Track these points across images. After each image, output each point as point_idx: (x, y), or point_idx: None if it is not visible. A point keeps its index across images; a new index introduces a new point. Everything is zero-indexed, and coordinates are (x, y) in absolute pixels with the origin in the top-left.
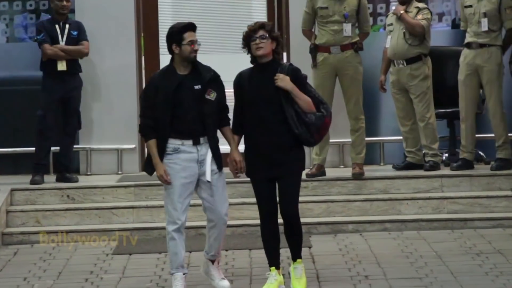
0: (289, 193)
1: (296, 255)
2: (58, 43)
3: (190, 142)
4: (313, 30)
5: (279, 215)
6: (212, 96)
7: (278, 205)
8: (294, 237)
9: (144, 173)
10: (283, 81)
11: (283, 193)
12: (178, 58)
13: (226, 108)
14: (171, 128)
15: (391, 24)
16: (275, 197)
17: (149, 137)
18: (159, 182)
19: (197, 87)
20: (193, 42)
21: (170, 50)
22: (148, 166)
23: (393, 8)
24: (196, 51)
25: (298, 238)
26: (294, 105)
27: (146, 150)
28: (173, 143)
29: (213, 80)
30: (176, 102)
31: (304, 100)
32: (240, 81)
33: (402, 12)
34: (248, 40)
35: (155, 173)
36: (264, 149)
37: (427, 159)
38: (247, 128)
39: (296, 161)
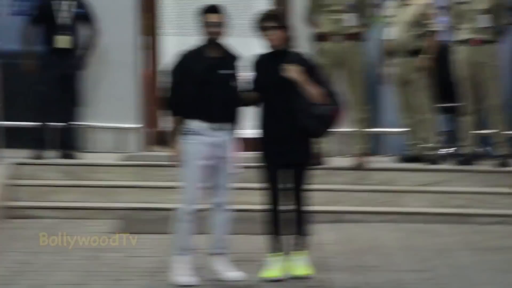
0: (299, 181)
1: (301, 244)
2: (59, 19)
3: (210, 125)
4: (316, 18)
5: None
6: (237, 83)
7: (289, 191)
8: (301, 225)
9: (146, 153)
10: (291, 71)
11: (294, 180)
12: (205, 39)
13: None
14: (195, 109)
15: (393, 16)
16: (283, 184)
17: (173, 114)
18: (162, 163)
19: (223, 71)
20: (209, 24)
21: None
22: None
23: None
24: (214, 33)
25: (305, 226)
26: (303, 96)
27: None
28: (194, 125)
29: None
30: (202, 84)
31: (313, 91)
32: (258, 63)
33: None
34: (260, 29)
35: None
36: (275, 136)
37: (427, 152)
38: (261, 114)
39: (306, 150)
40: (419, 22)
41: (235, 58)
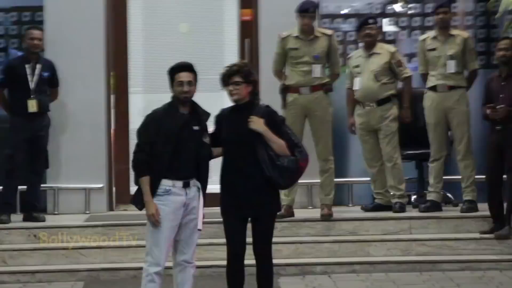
0: (263, 234)
1: None
2: (27, 83)
3: (180, 184)
4: (283, 71)
5: (246, 257)
6: (207, 140)
7: (252, 246)
8: (265, 279)
9: (111, 212)
10: (256, 123)
11: (258, 234)
12: (174, 97)
13: None
14: (167, 168)
15: (358, 66)
16: (245, 238)
17: (144, 174)
18: (127, 222)
19: (196, 128)
20: (181, 84)
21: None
22: (138, 200)
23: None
24: (185, 92)
25: (270, 280)
26: (268, 148)
27: (114, 189)
28: (165, 184)
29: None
30: (176, 141)
31: (277, 143)
32: (220, 118)
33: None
34: (224, 83)
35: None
36: (238, 190)
37: (394, 200)
38: (223, 167)
39: (271, 203)
40: (386, 71)
41: (206, 114)
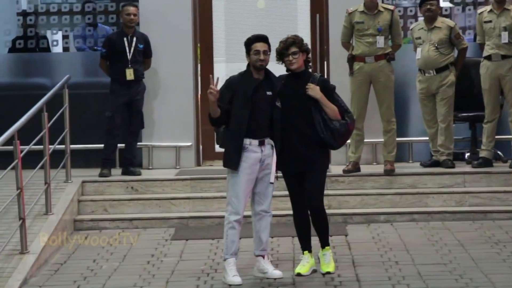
0: (313, 187)
1: (324, 243)
2: (126, 55)
3: (256, 142)
4: (351, 42)
5: None
6: (279, 103)
7: (305, 198)
8: (320, 226)
9: (199, 167)
10: (313, 90)
11: (308, 187)
12: (251, 65)
13: None
14: (244, 127)
15: (420, 38)
16: (302, 190)
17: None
18: (212, 175)
19: (269, 93)
20: (258, 52)
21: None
22: (227, 160)
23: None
24: (261, 60)
25: (324, 227)
26: (322, 112)
27: (201, 147)
28: (245, 141)
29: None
30: (251, 103)
31: (331, 108)
32: (283, 83)
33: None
34: (281, 55)
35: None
36: (294, 147)
37: (443, 157)
38: (283, 129)
39: (321, 159)
40: (446, 43)
41: (278, 80)
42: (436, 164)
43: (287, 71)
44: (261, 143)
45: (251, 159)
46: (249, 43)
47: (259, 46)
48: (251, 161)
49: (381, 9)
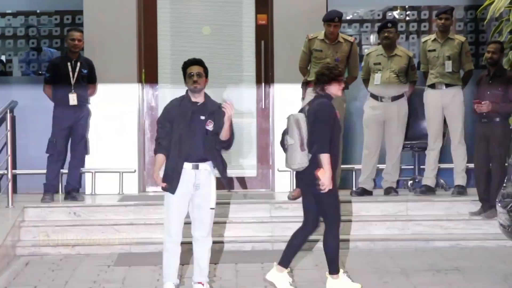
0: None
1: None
2: (69, 80)
3: (190, 165)
4: (308, 68)
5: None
6: (210, 126)
7: None
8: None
9: (142, 193)
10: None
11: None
12: (188, 88)
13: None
14: (180, 150)
15: (379, 64)
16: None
17: (157, 152)
18: (156, 202)
19: (202, 117)
20: (192, 75)
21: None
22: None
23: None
24: (195, 82)
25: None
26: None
27: (145, 173)
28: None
29: (216, 112)
30: (187, 128)
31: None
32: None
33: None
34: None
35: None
36: None
37: (386, 185)
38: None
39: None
40: (404, 71)
41: (214, 104)
42: (365, 192)
43: None
44: (195, 167)
45: (183, 182)
46: (185, 66)
47: (194, 69)
48: (183, 184)
49: (341, 40)
